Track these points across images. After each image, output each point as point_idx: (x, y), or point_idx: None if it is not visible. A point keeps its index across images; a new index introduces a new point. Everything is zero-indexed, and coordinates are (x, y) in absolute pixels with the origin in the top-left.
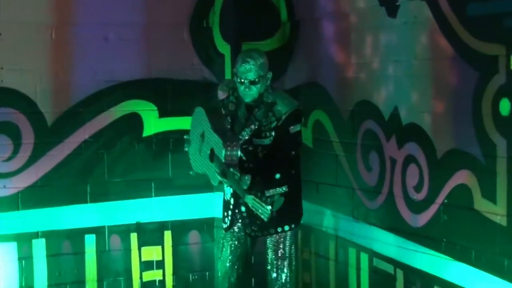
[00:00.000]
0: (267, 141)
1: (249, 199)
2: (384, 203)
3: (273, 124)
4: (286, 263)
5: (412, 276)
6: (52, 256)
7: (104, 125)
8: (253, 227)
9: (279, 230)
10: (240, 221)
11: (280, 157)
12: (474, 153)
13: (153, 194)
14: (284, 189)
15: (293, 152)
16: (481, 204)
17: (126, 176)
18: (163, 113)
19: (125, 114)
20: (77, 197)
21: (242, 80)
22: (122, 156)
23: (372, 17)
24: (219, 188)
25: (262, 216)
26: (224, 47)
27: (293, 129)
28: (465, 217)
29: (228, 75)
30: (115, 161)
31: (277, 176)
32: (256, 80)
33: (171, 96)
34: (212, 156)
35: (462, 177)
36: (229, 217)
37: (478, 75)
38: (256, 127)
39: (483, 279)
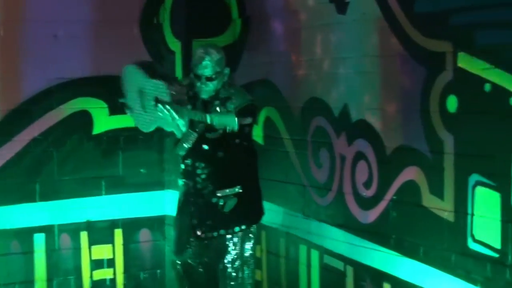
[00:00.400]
0: (214, 135)
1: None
2: (334, 200)
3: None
4: (243, 262)
5: (362, 272)
6: (1, 255)
7: (53, 123)
8: (203, 228)
9: (236, 230)
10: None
11: (225, 144)
12: (422, 149)
13: (103, 192)
14: (237, 189)
15: (237, 140)
16: (429, 200)
17: (76, 174)
18: (113, 111)
19: (75, 111)
20: (26, 196)
21: (199, 77)
22: (72, 154)
23: (322, 14)
24: (170, 185)
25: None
26: (174, 44)
27: (242, 121)
28: (414, 213)
29: (179, 72)
30: (65, 159)
31: (219, 154)
32: (213, 76)
33: (121, 93)
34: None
35: (411, 173)
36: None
37: (426, 72)
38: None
39: (431, 275)
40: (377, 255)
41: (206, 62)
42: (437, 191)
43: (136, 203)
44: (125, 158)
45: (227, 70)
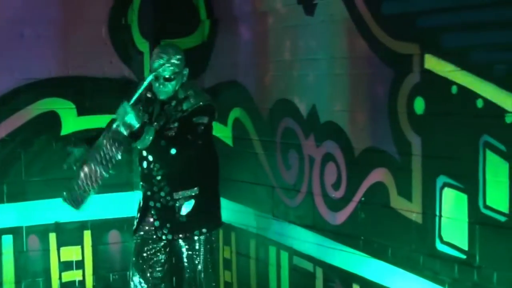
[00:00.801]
0: (170, 133)
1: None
2: (303, 201)
3: (178, 115)
4: (200, 267)
5: (331, 273)
6: None
7: (21, 124)
8: (163, 231)
9: (187, 236)
10: (149, 225)
11: (179, 141)
12: (390, 151)
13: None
14: (193, 192)
15: (189, 137)
16: (397, 201)
17: (44, 175)
18: (81, 111)
19: (43, 112)
20: None
21: (157, 77)
22: (40, 155)
23: (289, 16)
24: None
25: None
26: (143, 45)
27: (197, 119)
28: (382, 214)
29: (147, 73)
30: (32, 160)
31: (172, 151)
32: (172, 77)
33: (89, 94)
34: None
35: (379, 175)
36: (137, 219)
37: (394, 74)
38: (163, 122)
39: (399, 276)
40: (346, 256)
41: (164, 62)
42: (405, 192)
43: (105, 204)
44: None
45: (186, 71)
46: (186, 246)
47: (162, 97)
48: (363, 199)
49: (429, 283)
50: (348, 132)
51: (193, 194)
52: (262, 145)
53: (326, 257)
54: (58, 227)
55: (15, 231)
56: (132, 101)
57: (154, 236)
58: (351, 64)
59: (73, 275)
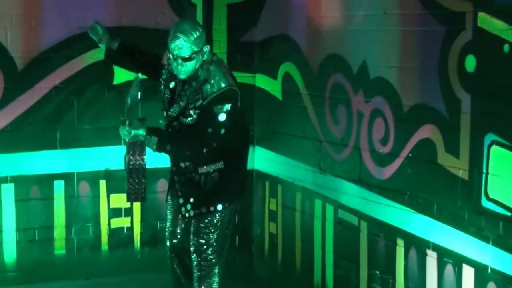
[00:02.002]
0: (188, 121)
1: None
2: (350, 155)
3: (198, 103)
4: (213, 247)
5: (375, 228)
6: (21, 201)
7: (74, 72)
8: (186, 207)
9: (211, 209)
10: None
11: (195, 132)
12: (439, 108)
13: (122, 142)
14: (219, 165)
15: (210, 130)
16: (444, 158)
17: (96, 123)
18: None
19: (96, 61)
20: (46, 143)
21: (175, 57)
22: (92, 103)
23: None
24: None
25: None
26: None
27: (218, 109)
28: (429, 170)
29: None
30: (85, 108)
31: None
32: (191, 56)
33: (142, 44)
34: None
35: (427, 131)
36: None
37: (446, 31)
38: (184, 104)
39: (444, 232)
40: (391, 211)
41: (181, 42)
42: (453, 149)
43: (154, 153)
44: (143, 108)
45: (206, 48)
46: (206, 220)
47: (182, 76)
48: (410, 155)
49: (473, 239)
50: (398, 89)
51: (217, 168)
52: (311, 100)
53: (371, 211)
54: (108, 174)
55: (66, 177)
56: (125, 120)
57: (180, 215)
58: (403, 20)
59: (122, 222)
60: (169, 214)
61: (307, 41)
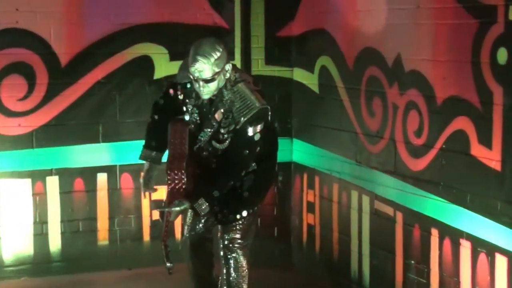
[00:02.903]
0: (222, 146)
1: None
2: (385, 147)
3: (231, 127)
4: (238, 253)
5: (411, 218)
6: (65, 193)
7: (116, 67)
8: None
9: (237, 217)
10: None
11: (232, 159)
12: (472, 100)
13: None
14: (253, 167)
15: (246, 152)
16: (477, 149)
17: (137, 117)
18: (173, 57)
19: (137, 56)
20: (89, 137)
21: (196, 79)
22: (133, 98)
23: None
24: None
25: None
26: None
27: (252, 131)
28: (462, 161)
29: (237, 21)
30: (126, 102)
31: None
32: (213, 77)
33: (182, 40)
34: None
35: (460, 123)
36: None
37: (478, 24)
38: (215, 128)
39: (477, 222)
40: (425, 202)
41: (202, 65)
42: (486, 141)
43: None
44: None
45: (228, 66)
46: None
47: (205, 97)
48: (444, 146)
49: (506, 229)
50: (432, 81)
51: (250, 170)
52: (347, 92)
53: (406, 202)
54: None
55: (109, 170)
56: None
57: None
58: (436, 14)
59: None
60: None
61: (343, 35)
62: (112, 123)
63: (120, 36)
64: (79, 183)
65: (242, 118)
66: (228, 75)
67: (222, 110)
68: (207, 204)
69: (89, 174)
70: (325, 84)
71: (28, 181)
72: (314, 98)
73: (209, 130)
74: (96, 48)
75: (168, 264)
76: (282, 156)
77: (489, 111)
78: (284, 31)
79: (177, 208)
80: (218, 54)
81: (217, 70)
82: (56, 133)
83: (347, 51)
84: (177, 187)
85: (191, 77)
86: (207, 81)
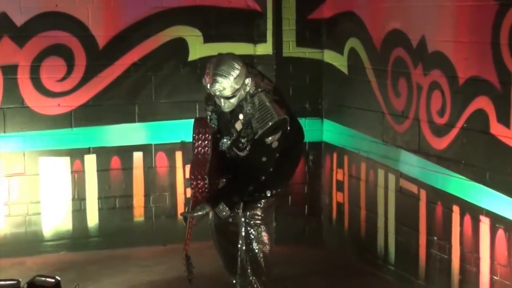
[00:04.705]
0: (243, 154)
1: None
2: (410, 127)
3: (250, 137)
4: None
5: (433, 195)
6: (102, 171)
7: (151, 49)
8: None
9: (262, 196)
10: None
11: (251, 165)
12: (491, 80)
13: (197, 115)
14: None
15: (264, 159)
16: (496, 128)
17: (172, 97)
18: (207, 39)
19: (172, 39)
20: (126, 117)
21: (217, 96)
22: (168, 79)
23: None
24: None
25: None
26: None
27: (270, 140)
28: (482, 140)
29: (270, 4)
30: (161, 83)
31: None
32: (234, 94)
33: (215, 22)
34: None
35: (480, 102)
36: None
37: (498, 6)
38: (235, 137)
39: (496, 198)
40: (447, 180)
41: (222, 85)
42: (504, 119)
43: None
44: None
45: (247, 80)
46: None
47: (226, 110)
48: (465, 125)
49: None
50: (454, 62)
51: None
52: (375, 73)
53: (429, 180)
54: (184, 146)
55: (144, 149)
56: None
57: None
58: None
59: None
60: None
61: (371, 18)
62: (147, 103)
63: (155, 19)
64: (115, 161)
65: (260, 130)
66: (248, 88)
67: (241, 121)
68: (227, 208)
69: (125, 152)
70: (354, 66)
71: (67, 159)
72: (343, 79)
73: (229, 138)
74: (132, 31)
75: (189, 276)
76: (312, 136)
77: (507, 91)
78: (315, 14)
79: (200, 213)
80: (237, 71)
81: (237, 87)
82: (93, 113)
83: (375, 34)
84: (200, 191)
85: (212, 93)
86: (228, 97)
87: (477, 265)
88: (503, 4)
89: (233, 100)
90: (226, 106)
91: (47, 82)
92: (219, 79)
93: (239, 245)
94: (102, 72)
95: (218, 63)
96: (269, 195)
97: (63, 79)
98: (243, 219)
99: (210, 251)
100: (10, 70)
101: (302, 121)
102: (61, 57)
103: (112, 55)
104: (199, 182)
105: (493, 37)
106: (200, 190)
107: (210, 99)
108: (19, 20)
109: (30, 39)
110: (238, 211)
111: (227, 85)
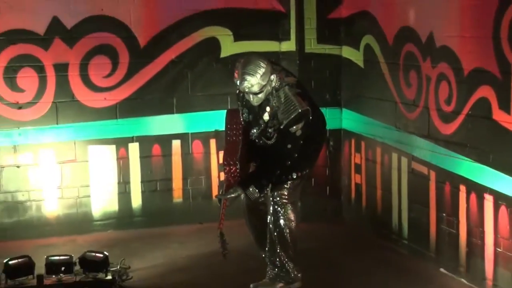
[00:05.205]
0: (270, 142)
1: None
2: (420, 114)
3: (276, 127)
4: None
5: (442, 176)
6: (145, 157)
7: (187, 48)
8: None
9: (288, 177)
10: None
11: (278, 151)
12: (493, 71)
13: (229, 106)
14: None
15: (289, 146)
16: (498, 114)
17: (206, 91)
18: (237, 37)
19: (205, 38)
20: (165, 108)
21: (246, 92)
22: (202, 74)
23: None
24: None
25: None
26: None
27: (294, 129)
28: (485, 125)
29: (293, 5)
30: (197, 78)
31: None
32: (261, 90)
33: (244, 22)
34: None
35: (484, 91)
36: None
37: (498, 3)
38: (263, 127)
39: (499, 178)
40: (455, 161)
41: (250, 82)
42: (505, 106)
43: None
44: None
45: (273, 77)
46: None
47: (255, 104)
48: (470, 112)
49: None
50: (459, 55)
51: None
52: (388, 67)
53: (438, 162)
54: (217, 134)
55: (182, 137)
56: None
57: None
58: None
59: None
60: None
61: (383, 16)
62: (184, 96)
63: (190, 20)
64: (156, 149)
65: (285, 121)
66: (273, 84)
67: (269, 113)
68: (257, 190)
69: (165, 141)
70: (369, 60)
71: (113, 147)
72: (360, 72)
73: (258, 128)
74: (169, 32)
75: (223, 251)
76: (333, 123)
77: (508, 80)
78: (334, 14)
79: (232, 195)
80: (263, 69)
81: (263, 83)
82: (136, 106)
83: (388, 31)
84: (232, 175)
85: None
86: (256, 93)
87: (482, 239)
88: (502, 1)
89: (261, 95)
90: (255, 100)
91: (94, 78)
92: (247, 77)
93: (268, 222)
94: (143, 69)
95: (245, 63)
96: (295, 177)
97: (109, 75)
98: (271, 199)
99: (242, 228)
100: (62, 68)
101: (323, 110)
102: (107, 55)
103: (152, 53)
104: (231, 167)
105: (494, 31)
106: (232, 175)
107: (241, 95)
108: (69, 23)
109: (79, 40)
110: (267, 192)
111: (254, 82)
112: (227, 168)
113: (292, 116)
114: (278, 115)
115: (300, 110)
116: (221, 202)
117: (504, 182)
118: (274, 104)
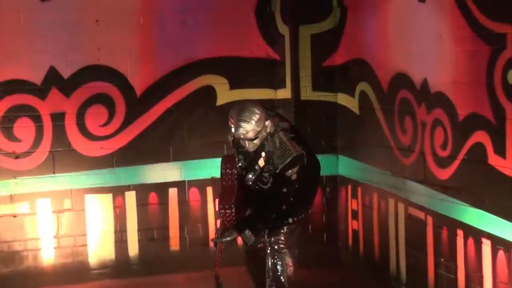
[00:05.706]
0: (266, 187)
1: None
2: (416, 159)
3: (272, 172)
4: (282, 255)
5: (439, 221)
6: (141, 205)
7: (183, 96)
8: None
9: (284, 223)
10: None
11: (273, 195)
12: (488, 116)
13: (225, 153)
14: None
15: (285, 189)
16: (493, 159)
17: (203, 138)
18: (233, 86)
19: (201, 86)
20: (161, 156)
21: (242, 138)
22: (199, 122)
23: (404, 4)
24: None
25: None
26: (284, 29)
27: (289, 173)
28: (481, 170)
29: (288, 54)
30: (193, 126)
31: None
32: (257, 136)
33: (240, 71)
34: None
35: (479, 136)
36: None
37: (491, 50)
38: (258, 172)
39: (496, 223)
40: (452, 206)
41: (245, 129)
42: (500, 151)
43: None
44: None
45: (267, 123)
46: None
47: (251, 150)
48: (465, 157)
49: None
50: (453, 101)
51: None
52: (383, 113)
53: (435, 207)
54: (214, 182)
55: (179, 185)
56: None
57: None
58: (455, 42)
59: None
60: None
61: (378, 63)
62: (180, 144)
63: (186, 69)
64: (153, 197)
65: (280, 165)
66: (268, 129)
67: (264, 158)
68: (252, 234)
69: (161, 189)
70: (364, 106)
71: (109, 196)
72: (355, 118)
73: (253, 173)
74: (166, 80)
75: None
76: (329, 170)
77: (502, 125)
78: (328, 61)
79: (228, 238)
80: (258, 116)
81: (258, 129)
82: (132, 154)
83: (382, 77)
84: (228, 219)
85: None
86: (251, 139)
87: (481, 283)
88: (495, 48)
89: (256, 141)
90: (251, 146)
91: (91, 127)
92: (243, 124)
93: (266, 268)
94: (139, 118)
95: (240, 110)
96: (291, 221)
97: (105, 124)
98: (268, 244)
99: (240, 275)
100: (59, 117)
101: (320, 157)
102: (103, 105)
103: (149, 102)
104: (227, 211)
105: (488, 77)
106: (228, 218)
107: (236, 141)
108: (66, 73)
109: (76, 90)
110: (263, 236)
111: (250, 129)
112: (223, 212)
113: (288, 161)
114: (274, 160)
115: (295, 155)
116: (217, 245)
117: (502, 227)
118: (269, 150)
